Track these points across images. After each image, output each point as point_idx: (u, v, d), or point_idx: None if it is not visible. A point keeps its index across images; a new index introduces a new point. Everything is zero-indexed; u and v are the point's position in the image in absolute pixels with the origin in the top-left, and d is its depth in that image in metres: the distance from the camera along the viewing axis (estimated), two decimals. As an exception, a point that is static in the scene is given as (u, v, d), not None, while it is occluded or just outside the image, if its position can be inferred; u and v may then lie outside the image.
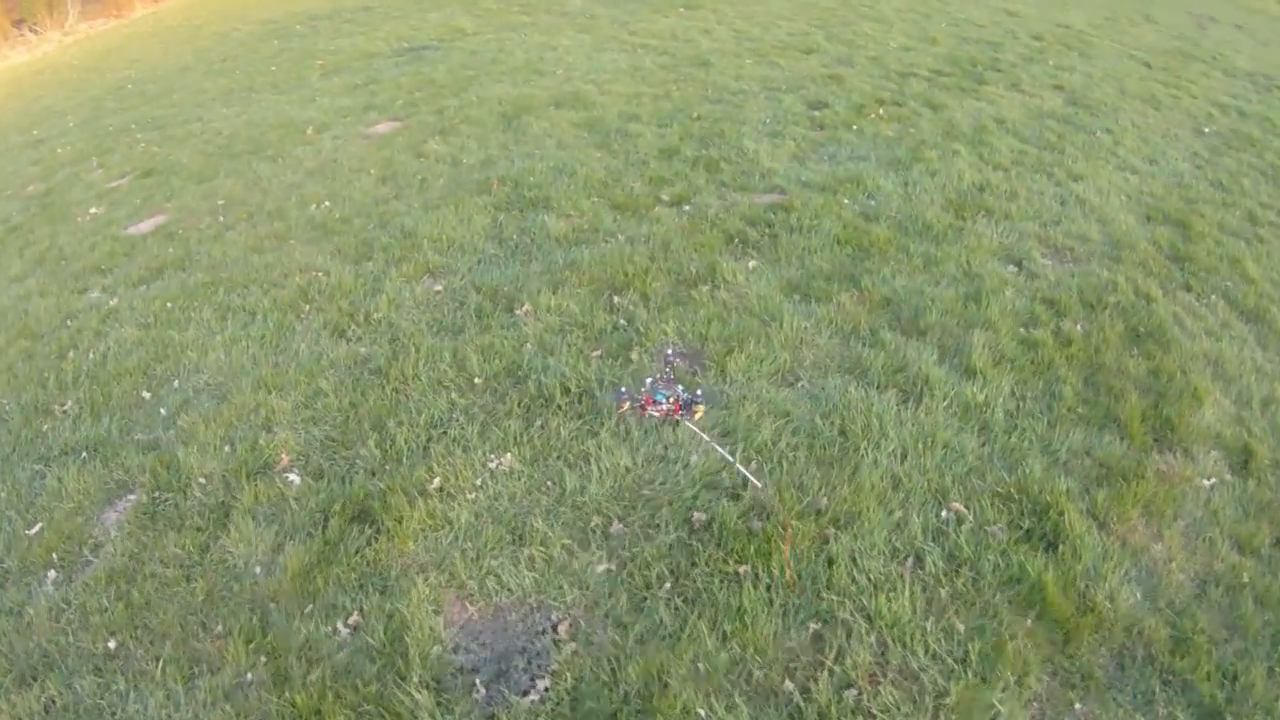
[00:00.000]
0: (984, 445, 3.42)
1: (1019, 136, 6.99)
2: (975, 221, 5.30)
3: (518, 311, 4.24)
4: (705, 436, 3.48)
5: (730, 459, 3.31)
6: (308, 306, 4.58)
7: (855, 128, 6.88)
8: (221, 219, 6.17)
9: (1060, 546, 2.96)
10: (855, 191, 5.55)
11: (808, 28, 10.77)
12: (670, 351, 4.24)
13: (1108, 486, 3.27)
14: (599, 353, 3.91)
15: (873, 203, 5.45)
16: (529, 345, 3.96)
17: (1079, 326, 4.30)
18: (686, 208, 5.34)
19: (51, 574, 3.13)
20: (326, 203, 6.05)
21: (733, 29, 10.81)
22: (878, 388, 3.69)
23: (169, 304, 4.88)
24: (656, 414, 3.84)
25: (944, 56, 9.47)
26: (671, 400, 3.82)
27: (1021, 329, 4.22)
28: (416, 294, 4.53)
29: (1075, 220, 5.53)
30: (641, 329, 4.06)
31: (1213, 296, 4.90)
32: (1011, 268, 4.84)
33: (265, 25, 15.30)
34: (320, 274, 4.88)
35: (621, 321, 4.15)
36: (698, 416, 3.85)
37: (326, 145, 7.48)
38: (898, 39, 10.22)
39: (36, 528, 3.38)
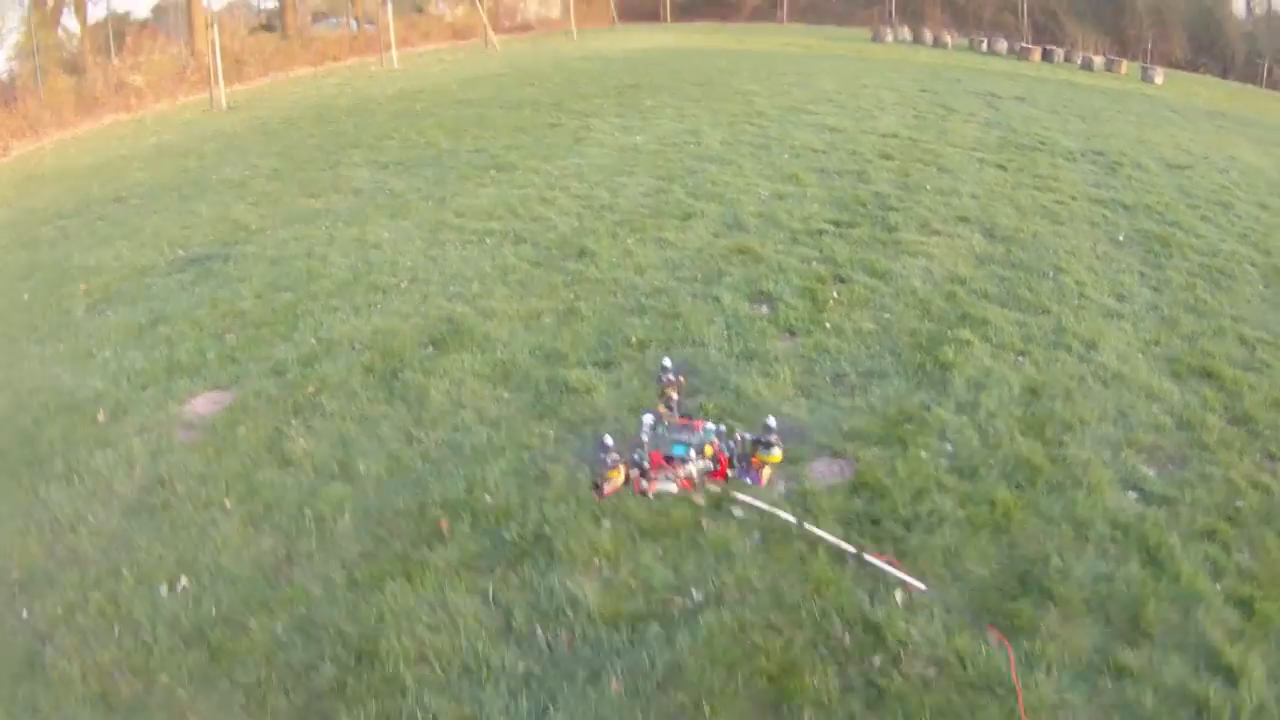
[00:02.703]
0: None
1: (996, 300, 6.28)
2: (1066, 445, 4.46)
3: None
4: (787, 517, 2.48)
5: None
6: None
7: (828, 325, 5.79)
8: (27, 617, 3.81)
9: None
10: (921, 436, 4.40)
11: (657, 182, 9.73)
12: (669, 363, 2.66)
13: None
14: None
15: (949, 447, 4.35)
16: None
17: (1246, 555, 3.78)
18: (738, 512, 3.85)
19: None
20: (183, 580, 3.98)
21: (573, 195, 9.50)
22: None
23: None
24: (673, 487, 2.21)
25: (827, 200, 8.77)
26: (713, 454, 2.23)
27: (1216, 585, 3.58)
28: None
29: (1134, 407, 4.93)
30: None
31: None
32: (1133, 494, 4.15)
33: (4, 230, 12.16)
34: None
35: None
36: (766, 473, 2.29)
37: (136, 449, 5.12)
38: (761, 184, 9.45)
39: None
